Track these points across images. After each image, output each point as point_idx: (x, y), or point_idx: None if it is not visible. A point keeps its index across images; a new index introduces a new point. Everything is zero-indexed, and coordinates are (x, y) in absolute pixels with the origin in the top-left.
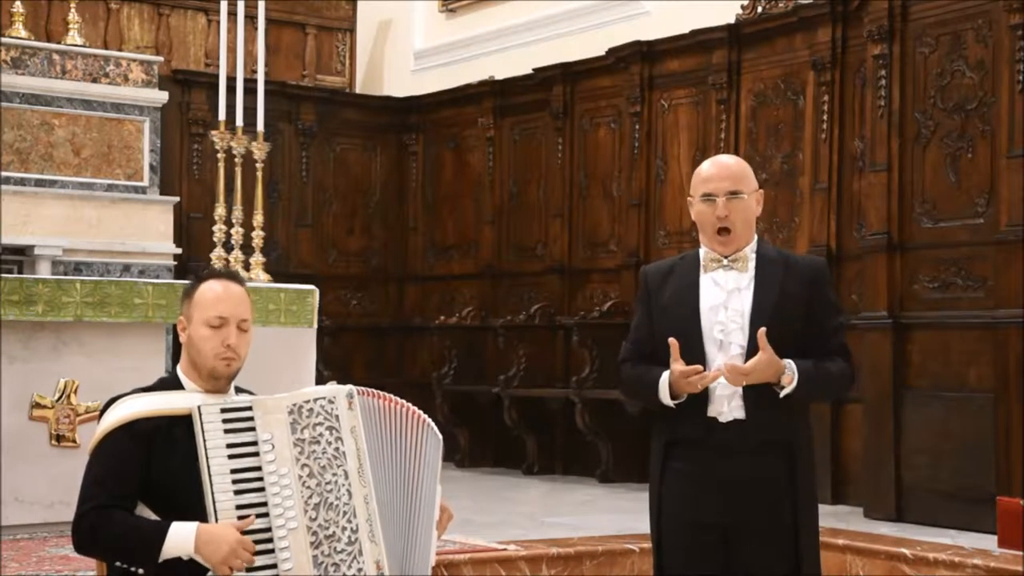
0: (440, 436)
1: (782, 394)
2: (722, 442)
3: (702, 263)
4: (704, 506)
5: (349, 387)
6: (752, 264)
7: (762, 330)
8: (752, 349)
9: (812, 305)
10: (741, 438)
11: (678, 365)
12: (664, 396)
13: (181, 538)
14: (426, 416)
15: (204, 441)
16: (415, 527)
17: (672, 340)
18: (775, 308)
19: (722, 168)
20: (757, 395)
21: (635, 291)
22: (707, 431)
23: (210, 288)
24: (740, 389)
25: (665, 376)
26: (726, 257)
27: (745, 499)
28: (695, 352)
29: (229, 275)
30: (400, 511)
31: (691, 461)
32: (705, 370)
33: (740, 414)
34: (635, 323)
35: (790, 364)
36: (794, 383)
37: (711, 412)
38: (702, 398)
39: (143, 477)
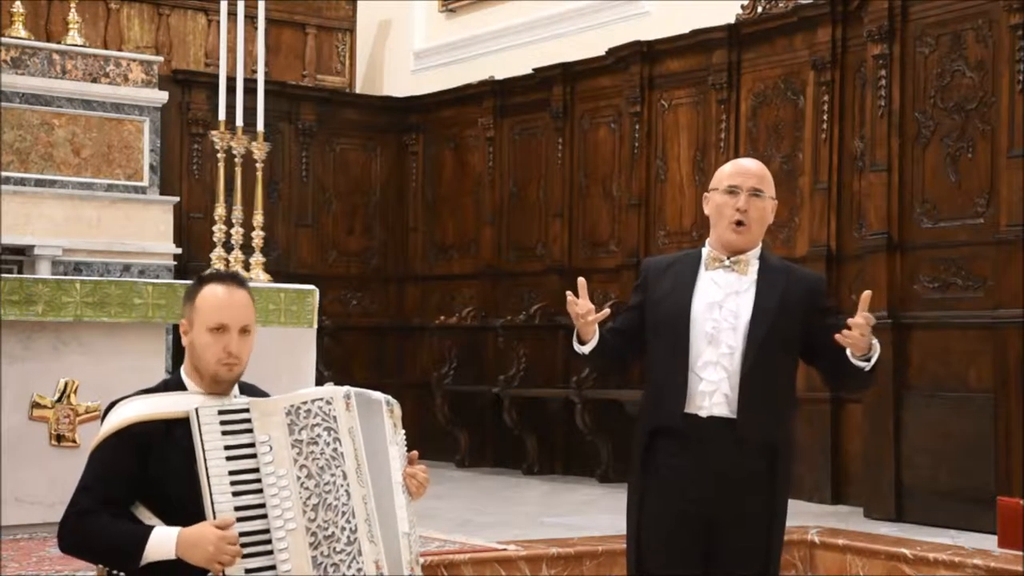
0: (378, 398)
1: (868, 367)
2: (704, 435)
3: (704, 261)
4: (685, 497)
5: (346, 388)
6: (754, 269)
7: (867, 293)
8: (745, 350)
9: (811, 315)
10: (724, 434)
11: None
12: (573, 340)
13: (162, 543)
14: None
15: (202, 443)
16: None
17: (580, 279)
18: (774, 314)
19: (752, 166)
20: (749, 396)
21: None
22: (687, 423)
23: (212, 293)
24: (723, 386)
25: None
26: (728, 258)
27: (724, 493)
28: (681, 343)
29: (231, 278)
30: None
31: (673, 453)
32: (690, 364)
33: (722, 411)
34: (624, 309)
35: (876, 343)
36: (874, 359)
37: (689, 408)
38: (681, 390)
39: (141, 480)
